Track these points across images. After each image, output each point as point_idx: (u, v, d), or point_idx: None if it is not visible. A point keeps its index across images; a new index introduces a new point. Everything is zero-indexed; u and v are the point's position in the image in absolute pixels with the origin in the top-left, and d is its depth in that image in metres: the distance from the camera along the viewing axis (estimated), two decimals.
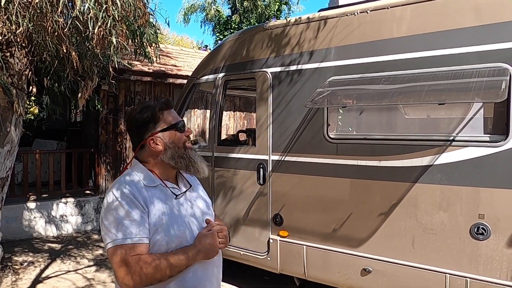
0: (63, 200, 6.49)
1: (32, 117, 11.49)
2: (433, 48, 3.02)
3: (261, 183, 3.90)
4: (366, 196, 3.29)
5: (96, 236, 6.39)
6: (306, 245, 3.62)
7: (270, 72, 3.87)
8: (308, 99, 3.33)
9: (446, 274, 2.93)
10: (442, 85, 2.84)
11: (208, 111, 7.08)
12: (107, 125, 6.89)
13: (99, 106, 6.16)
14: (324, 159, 3.49)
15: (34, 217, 6.22)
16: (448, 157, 2.94)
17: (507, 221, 2.72)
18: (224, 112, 8.51)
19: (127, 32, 4.81)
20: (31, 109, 11.27)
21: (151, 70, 7.02)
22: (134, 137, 1.58)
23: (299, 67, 3.68)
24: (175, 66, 7.81)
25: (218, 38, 17.68)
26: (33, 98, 6.30)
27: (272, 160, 3.83)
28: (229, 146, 4.40)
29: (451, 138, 2.95)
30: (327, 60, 3.52)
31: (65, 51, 4.42)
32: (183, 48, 10.81)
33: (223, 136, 5.14)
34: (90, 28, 3.78)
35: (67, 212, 6.51)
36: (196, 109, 8.03)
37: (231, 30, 17.00)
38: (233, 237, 4.18)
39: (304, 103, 3.44)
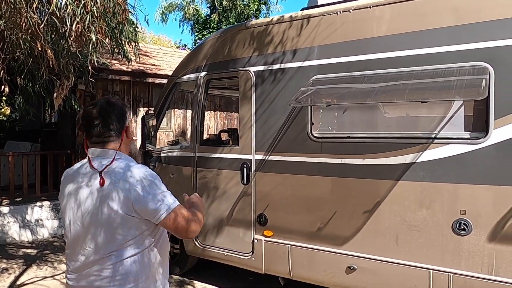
0: (38, 203, 6.27)
1: (4, 118, 11.09)
2: (414, 47, 3.06)
3: (245, 183, 3.87)
4: (350, 194, 3.31)
5: None
6: (291, 245, 3.61)
7: (253, 71, 3.84)
8: (292, 98, 3.32)
9: (430, 270, 2.97)
10: (424, 83, 2.88)
11: (190, 111, 6.99)
12: None
13: (76, 106, 5.99)
14: (308, 158, 3.49)
15: (8, 222, 5.98)
16: (430, 154, 2.99)
17: (488, 216, 2.78)
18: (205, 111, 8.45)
19: (106, 29, 4.69)
20: (2, 110, 10.86)
21: (129, 69, 6.87)
22: (115, 125, 1.64)
23: (282, 65, 3.67)
24: (154, 65, 7.68)
25: (197, 38, 17.55)
26: (4, 98, 6.04)
27: (255, 159, 3.80)
28: (212, 146, 4.35)
29: (433, 136, 2.99)
30: (310, 58, 3.52)
31: (40, 49, 4.26)
32: (162, 48, 10.65)
33: (205, 136, 5.09)
34: (68, 25, 3.65)
35: (43, 216, 6.29)
36: (176, 109, 7.92)
37: (210, 30, 16.90)
38: (217, 238, 4.13)
39: (288, 102, 3.43)
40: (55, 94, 5.18)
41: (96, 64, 6.54)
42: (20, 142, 8.83)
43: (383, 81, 3.05)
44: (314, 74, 3.47)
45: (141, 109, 7.37)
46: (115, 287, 1.55)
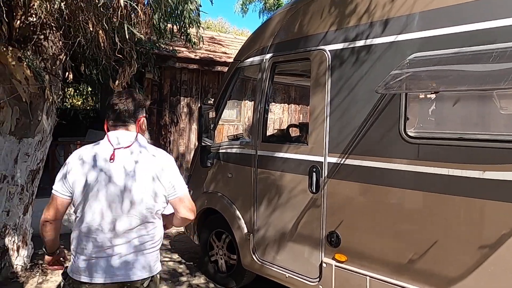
0: None
1: (87, 107, 11.59)
2: None
3: (314, 191, 3.09)
4: (461, 219, 2.35)
5: None
6: (371, 277, 2.75)
7: (329, 50, 3.03)
8: (380, 83, 2.45)
9: None
10: None
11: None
12: (150, 116, 6.43)
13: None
14: (399, 164, 2.59)
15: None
16: None
17: None
18: (277, 104, 7.75)
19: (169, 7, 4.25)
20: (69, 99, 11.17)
21: (197, 57, 6.44)
22: (133, 113, 1.92)
23: (368, 42, 2.80)
24: (225, 53, 7.16)
25: None
26: (70, 88, 5.96)
27: (328, 162, 3.00)
28: (275, 143, 3.63)
29: None
30: (408, 30, 2.60)
31: (91, 29, 3.91)
32: (237, 37, 10.16)
33: (270, 131, 4.37)
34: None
35: None
36: (241, 100, 7.31)
37: None
38: (278, 254, 3.42)
39: (373, 89, 2.57)
40: (116, 82, 4.88)
41: (161, 50, 6.25)
42: (98, 131, 9.04)
43: None
44: (413, 52, 2.55)
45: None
46: (153, 249, 1.92)
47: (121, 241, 1.82)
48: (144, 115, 1.97)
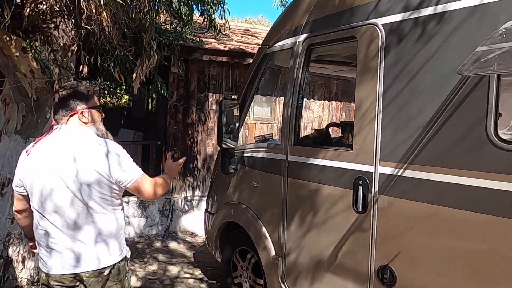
0: (125, 198, 5.69)
1: (121, 105, 11.38)
2: None
3: (360, 209, 2.35)
4: None
5: (158, 244, 5.46)
6: None
7: (383, 25, 2.28)
8: (464, 63, 1.68)
9: None
10: None
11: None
12: (176, 114, 5.90)
13: (163, 91, 5.16)
14: (487, 180, 1.80)
15: None
16: None
17: None
18: (316, 100, 6.96)
19: None
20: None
21: (227, 49, 5.82)
22: (66, 110, 1.91)
23: (440, 8, 2.02)
24: (259, 45, 6.48)
25: None
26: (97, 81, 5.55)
27: (380, 174, 2.25)
28: (310, 146, 2.92)
29: None
30: None
31: (105, 16, 3.38)
32: None
33: (305, 132, 3.65)
34: None
35: (129, 213, 5.71)
36: (274, 94, 6.56)
37: None
38: (312, 285, 2.71)
39: (446, 72, 1.81)
40: (133, 75, 4.37)
41: (187, 41, 5.69)
42: (129, 130, 8.72)
43: None
44: (510, 18, 1.76)
45: None
46: (103, 241, 1.88)
47: (68, 232, 1.83)
48: (86, 106, 1.93)
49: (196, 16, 4.99)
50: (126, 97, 11.26)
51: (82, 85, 1.99)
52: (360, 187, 2.36)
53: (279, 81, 4.52)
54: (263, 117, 6.37)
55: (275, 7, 21.35)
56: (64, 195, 1.80)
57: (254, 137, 4.30)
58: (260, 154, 3.22)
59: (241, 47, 6.07)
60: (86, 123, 1.92)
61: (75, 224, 1.82)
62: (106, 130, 2.03)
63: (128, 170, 1.85)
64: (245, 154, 3.38)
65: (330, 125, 4.16)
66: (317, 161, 2.66)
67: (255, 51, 6.00)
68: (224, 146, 3.25)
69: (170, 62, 5.38)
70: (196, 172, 6.12)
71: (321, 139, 3.36)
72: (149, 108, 8.70)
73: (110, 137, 2.02)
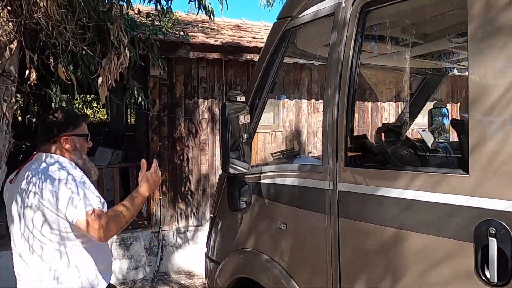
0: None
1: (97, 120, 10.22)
2: None
3: (492, 279, 1.31)
4: None
5: None
6: None
7: None
8: None
9: None
10: None
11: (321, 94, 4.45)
12: (160, 127, 4.81)
13: (140, 99, 4.06)
14: None
15: None
16: None
17: None
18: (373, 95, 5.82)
19: None
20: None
21: (218, 43, 4.77)
22: (46, 137, 1.88)
23: None
24: (255, 38, 5.45)
25: None
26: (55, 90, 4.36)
27: None
28: (378, 168, 1.86)
29: None
30: None
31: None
32: (266, 24, 8.44)
33: (359, 144, 2.43)
34: None
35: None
36: (290, 90, 5.41)
37: None
38: None
39: None
40: (99, 79, 3.28)
41: (168, 36, 4.61)
42: (107, 148, 7.59)
43: None
44: None
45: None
46: (59, 283, 1.78)
47: (28, 269, 1.80)
48: (71, 133, 1.88)
49: (179, 13, 3.93)
50: (104, 110, 10.11)
51: (70, 111, 2.00)
52: (491, 239, 1.31)
53: (310, 69, 3.32)
54: (272, 124, 5.27)
55: (261, 7, 20.44)
56: (16, 228, 1.79)
57: (271, 153, 3.19)
58: (286, 181, 2.15)
59: (235, 40, 5.02)
60: (67, 151, 1.88)
61: (33, 261, 1.78)
62: (88, 159, 1.97)
63: (75, 206, 1.71)
64: (262, 181, 2.31)
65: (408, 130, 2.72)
66: (394, 192, 1.61)
67: (252, 45, 4.97)
68: (231, 171, 2.17)
69: (149, 62, 4.31)
70: (189, 197, 5.01)
71: (396, 155, 2.24)
72: (130, 121, 7.57)
73: (93, 165, 1.97)
